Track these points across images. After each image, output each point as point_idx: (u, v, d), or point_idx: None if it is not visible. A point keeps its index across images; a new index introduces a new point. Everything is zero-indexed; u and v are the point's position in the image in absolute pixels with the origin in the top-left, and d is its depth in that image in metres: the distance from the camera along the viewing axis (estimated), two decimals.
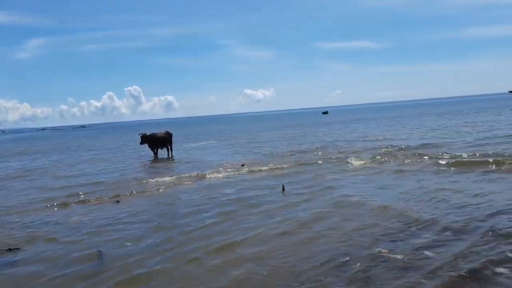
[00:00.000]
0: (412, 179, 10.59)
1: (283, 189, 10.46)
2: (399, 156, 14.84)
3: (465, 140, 18.28)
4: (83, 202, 10.45)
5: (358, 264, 5.24)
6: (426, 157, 13.87)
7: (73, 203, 10.35)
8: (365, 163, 13.74)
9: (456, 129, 24.80)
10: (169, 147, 21.34)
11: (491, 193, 8.42)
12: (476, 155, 13.40)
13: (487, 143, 16.44)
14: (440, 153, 14.41)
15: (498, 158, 12.17)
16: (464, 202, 7.82)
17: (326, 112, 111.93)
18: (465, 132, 22.59)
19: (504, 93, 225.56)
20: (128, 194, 11.12)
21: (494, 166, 11.48)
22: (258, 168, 14.13)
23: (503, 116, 33.52)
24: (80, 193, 11.54)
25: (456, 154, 13.95)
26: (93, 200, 10.60)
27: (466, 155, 13.56)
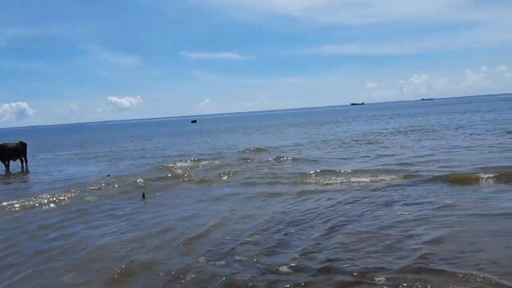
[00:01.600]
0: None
1: (143, 197, 11.00)
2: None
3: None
4: None
5: None
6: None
7: None
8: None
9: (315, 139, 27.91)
10: (23, 159, 20.04)
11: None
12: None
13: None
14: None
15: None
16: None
17: (194, 121, 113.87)
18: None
19: (347, 105, 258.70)
20: None
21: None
22: (124, 179, 14.02)
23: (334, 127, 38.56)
24: None
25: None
26: None
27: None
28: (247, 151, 21.07)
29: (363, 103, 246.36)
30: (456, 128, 26.56)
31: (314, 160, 16.29)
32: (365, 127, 35.79)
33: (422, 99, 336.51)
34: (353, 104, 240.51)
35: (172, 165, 17.10)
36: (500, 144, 16.65)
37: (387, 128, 32.08)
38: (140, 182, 13.23)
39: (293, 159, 16.85)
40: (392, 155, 16.19)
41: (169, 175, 14.49)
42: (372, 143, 21.23)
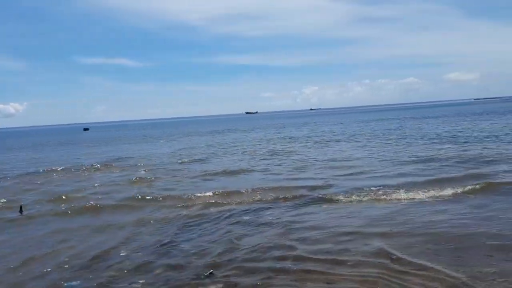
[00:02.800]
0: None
1: (21, 210, 10.45)
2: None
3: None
4: None
5: None
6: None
7: None
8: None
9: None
10: None
11: None
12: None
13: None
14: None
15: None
16: None
17: (87, 129, 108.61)
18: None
19: (242, 114, 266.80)
20: None
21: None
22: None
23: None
24: None
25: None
26: None
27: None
28: (142, 164, 19.93)
29: (256, 112, 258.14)
30: (350, 137, 28.45)
31: (210, 174, 15.29)
32: (256, 135, 36.79)
33: (311, 109, 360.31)
34: (247, 113, 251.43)
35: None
36: (392, 154, 18.08)
37: (284, 137, 33.24)
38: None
39: (191, 175, 15.67)
40: (294, 169, 15.58)
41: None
42: (275, 154, 20.91)
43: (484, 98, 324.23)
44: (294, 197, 10.41)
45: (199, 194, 11.18)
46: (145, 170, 17.08)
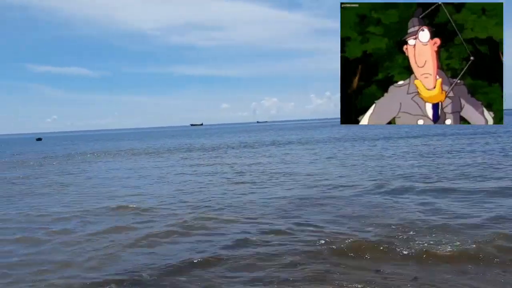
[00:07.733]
0: None
1: None
2: None
3: None
4: None
5: None
6: None
7: None
8: None
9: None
10: None
11: None
12: None
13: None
14: None
15: None
16: None
17: (40, 139, 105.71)
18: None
19: (187, 126, 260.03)
20: None
21: None
22: None
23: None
24: None
25: None
26: None
27: None
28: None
29: (202, 124, 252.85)
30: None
31: None
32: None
33: (258, 122, 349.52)
34: (192, 125, 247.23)
35: None
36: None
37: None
38: None
39: None
40: None
41: None
42: None
43: None
44: None
45: None
46: None
